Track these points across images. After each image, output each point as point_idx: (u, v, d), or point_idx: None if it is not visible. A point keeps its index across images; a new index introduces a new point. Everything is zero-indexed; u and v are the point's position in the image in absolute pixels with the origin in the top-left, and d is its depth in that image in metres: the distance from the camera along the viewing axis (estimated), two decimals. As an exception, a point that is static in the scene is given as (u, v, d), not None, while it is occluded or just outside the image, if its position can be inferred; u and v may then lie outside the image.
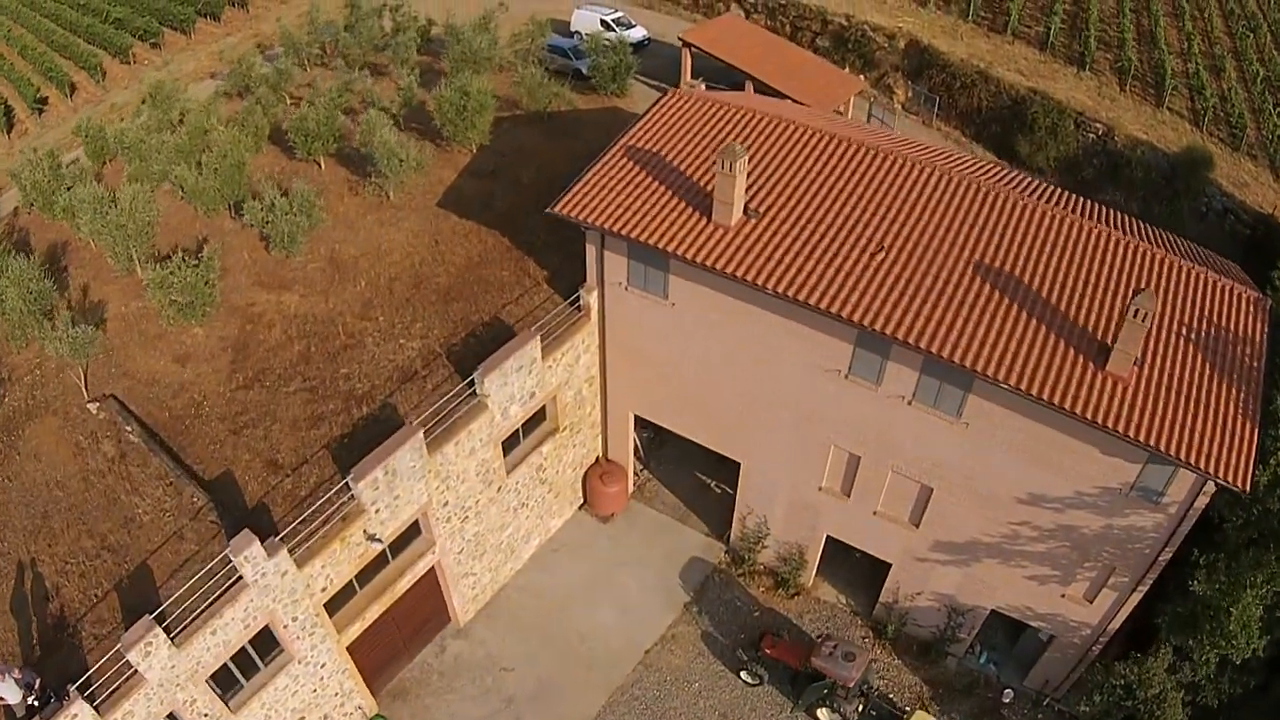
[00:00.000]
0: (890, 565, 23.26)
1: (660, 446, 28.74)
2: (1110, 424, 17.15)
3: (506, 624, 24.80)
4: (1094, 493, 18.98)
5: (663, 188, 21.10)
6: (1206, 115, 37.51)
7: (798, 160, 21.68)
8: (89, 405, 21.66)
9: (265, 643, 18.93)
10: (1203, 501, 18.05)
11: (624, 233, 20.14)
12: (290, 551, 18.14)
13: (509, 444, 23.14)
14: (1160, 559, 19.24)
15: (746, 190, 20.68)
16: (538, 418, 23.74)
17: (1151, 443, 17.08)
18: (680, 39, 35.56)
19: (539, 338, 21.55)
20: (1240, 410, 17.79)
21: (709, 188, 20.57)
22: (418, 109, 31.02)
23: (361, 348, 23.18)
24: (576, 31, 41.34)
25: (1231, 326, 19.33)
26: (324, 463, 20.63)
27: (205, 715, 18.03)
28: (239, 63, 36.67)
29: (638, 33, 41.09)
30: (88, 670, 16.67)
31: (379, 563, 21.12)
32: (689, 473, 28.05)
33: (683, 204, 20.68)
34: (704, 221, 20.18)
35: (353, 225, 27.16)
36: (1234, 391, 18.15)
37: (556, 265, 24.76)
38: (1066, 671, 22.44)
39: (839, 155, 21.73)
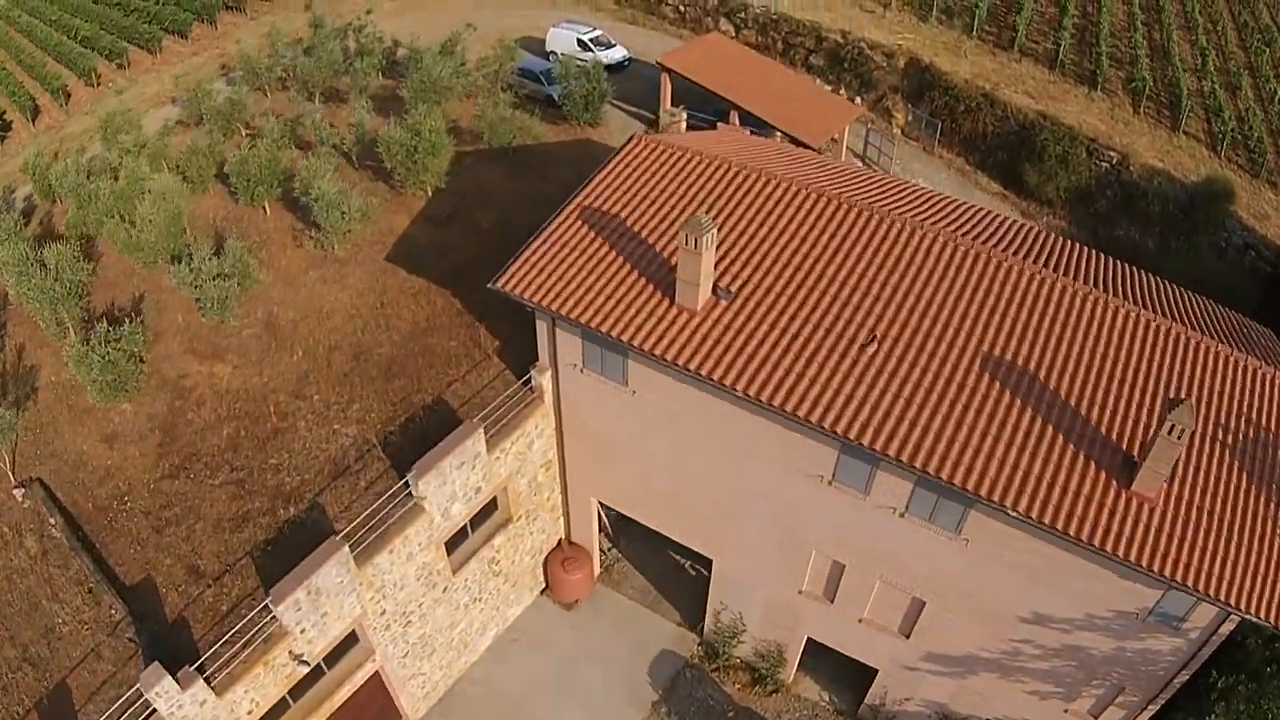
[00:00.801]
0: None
1: (630, 523, 26.28)
2: (1133, 558, 14.75)
3: (460, 723, 22.54)
4: (1107, 616, 16.63)
5: (620, 259, 18.59)
6: (1225, 140, 34.90)
7: (779, 224, 19.10)
8: (15, 491, 20.34)
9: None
10: (1228, 627, 15.81)
11: (573, 317, 17.68)
12: (209, 679, 16.26)
13: (455, 541, 20.80)
14: (1176, 681, 16.96)
15: (717, 263, 18.21)
16: (488, 509, 21.36)
17: (1179, 578, 14.70)
18: (658, 63, 32.85)
19: (483, 430, 19.12)
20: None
21: (673, 259, 18.09)
22: (372, 144, 28.60)
23: (294, 433, 21.15)
24: (552, 51, 38.70)
25: (1274, 426, 16.81)
26: (247, 573, 18.79)
27: None
28: (195, 89, 34.26)
29: (618, 53, 38.41)
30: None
31: (314, 675, 18.97)
32: (661, 552, 25.63)
33: (643, 280, 18.18)
34: (666, 304, 17.66)
35: (294, 283, 24.83)
36: (1274, 509, 15.66)
37: (509, 333, 22.31)
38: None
39: (827, 218, 19.12)
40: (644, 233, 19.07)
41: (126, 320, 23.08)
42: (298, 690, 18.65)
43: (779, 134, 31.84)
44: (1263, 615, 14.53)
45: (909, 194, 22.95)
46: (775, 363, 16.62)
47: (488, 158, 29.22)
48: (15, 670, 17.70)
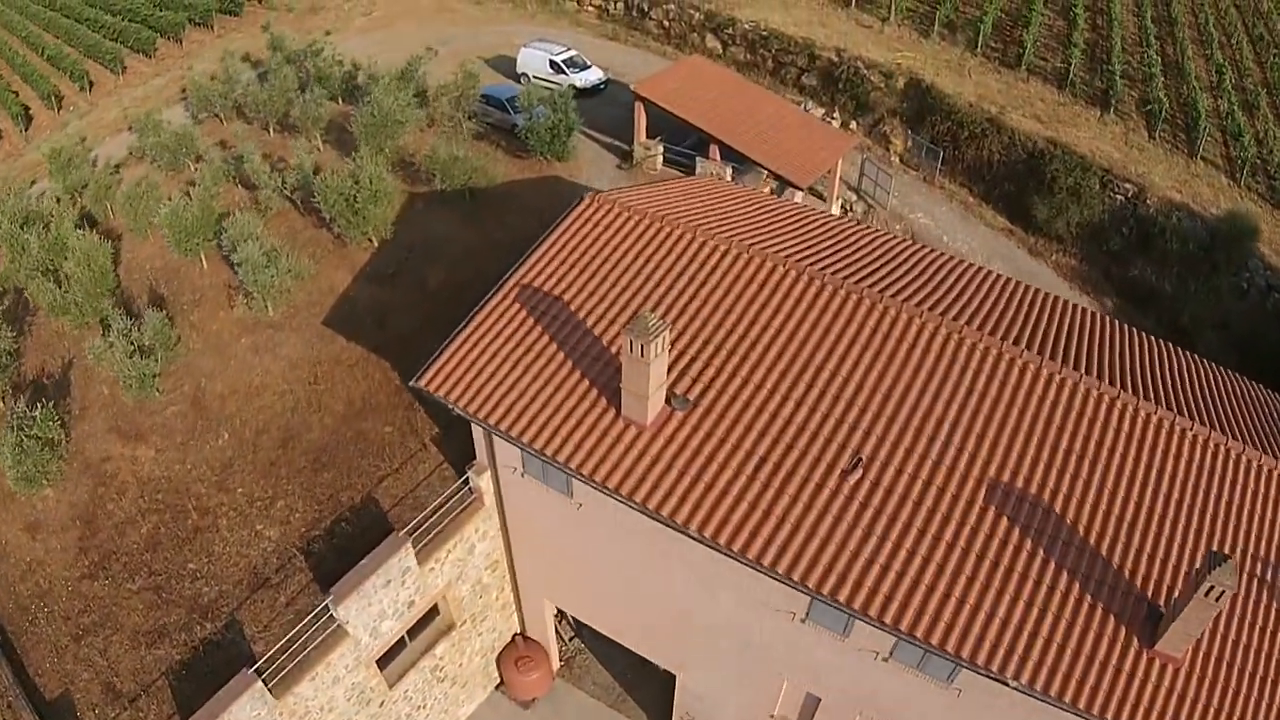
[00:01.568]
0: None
1: (596, 608, 23.92)
2: (1154, 739, 12.30)
3: None
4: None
5: (561, 356, 16.11)
6: (1245, 167, 32.18)
7: (750, 310, 16.49)
8: None
9: None
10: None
11: (503, 428, 15.25)
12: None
13: (392, 653, 18.51)
14: None
15: (675, 361, 15.73)
16: (429, 616, 19.04)
17: (1210, 763, 12.25)
18: (633, 91, 30.20)
19: (410, 544, 16.74)
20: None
21: (622, 358, 15.61)
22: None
23: (214, 532, 19.21)
24: (524, 74, 36.05)
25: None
26: (162, 697, 17.02)
27: None
28: (145, 119, 31.94)
29: (593, 74, 35.69)
30: None
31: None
32: (628, 646, 23.22)
33: (586, 383, 15.70)
34: (612, 415, 15.17)
35: (224, 351, 22.63)
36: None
37: (449, 419, 19.89)
38: None
39: (807, 303, 16.47)
40: (590, 320, 16.58)
41: (55, 390, 21.60)
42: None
43: (765, 172, 29.30)
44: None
45: (906, 256, 20.38)
46: (738, 495, 14.04)
47: (440, 201, 26.76)
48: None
